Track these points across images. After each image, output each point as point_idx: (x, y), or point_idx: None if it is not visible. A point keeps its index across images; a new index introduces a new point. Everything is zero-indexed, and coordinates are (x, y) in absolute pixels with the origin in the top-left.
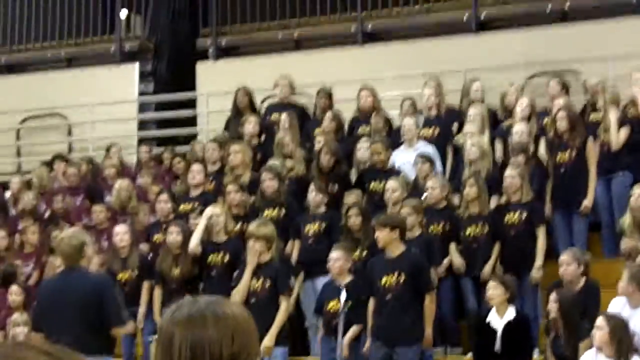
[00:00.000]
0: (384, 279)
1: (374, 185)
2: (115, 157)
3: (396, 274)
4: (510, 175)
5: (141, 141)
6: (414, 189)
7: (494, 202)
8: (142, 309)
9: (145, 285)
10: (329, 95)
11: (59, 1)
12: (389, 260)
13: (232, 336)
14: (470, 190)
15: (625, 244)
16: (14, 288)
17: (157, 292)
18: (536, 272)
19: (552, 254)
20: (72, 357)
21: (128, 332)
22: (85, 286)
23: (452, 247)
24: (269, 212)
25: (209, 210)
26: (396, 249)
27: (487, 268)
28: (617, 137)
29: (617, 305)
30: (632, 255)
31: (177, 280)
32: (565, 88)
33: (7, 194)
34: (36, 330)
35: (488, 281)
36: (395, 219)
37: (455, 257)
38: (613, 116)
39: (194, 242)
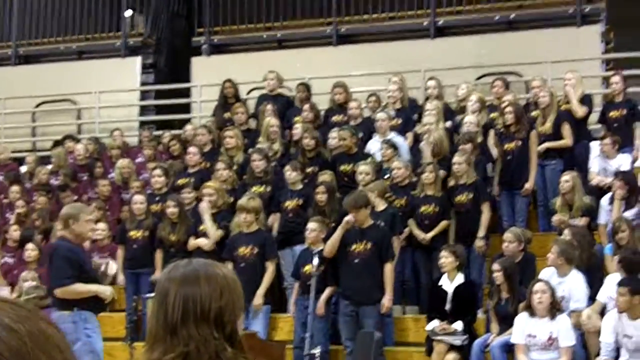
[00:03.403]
0: (354, 246)
1: (343, 167)
2: (119, 139)
3: (364, 242)
4: (458, 161)
5: (142, 125)
6: (381, 169)
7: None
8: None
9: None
10: (307, 89)
11: (71, 1)
12: (359, 230)
13: (220, 292)
14: (428, 176)
15: (556, 220)
16: (30, 245)
17: (159, 255)
18: (479, 242)
19: (497, 229)
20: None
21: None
22: (49, 252)
23: (411, 221)
24: (256, 188)
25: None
26: (366, 222)
27: (430, 235)
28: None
29: (547, 274)
30: (562, 230)
31: (174, 245)
32: (507, 87)
33: (24, 169)
34: None
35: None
36: (365, 199)
37: (415, 230)
38: (574, 97)
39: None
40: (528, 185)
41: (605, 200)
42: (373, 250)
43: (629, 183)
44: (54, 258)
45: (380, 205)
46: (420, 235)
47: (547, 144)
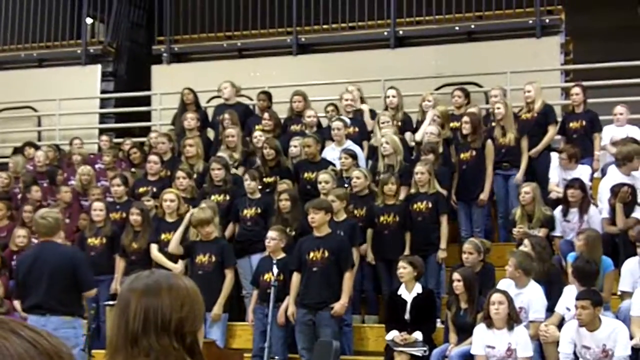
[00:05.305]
0: (311, 254)
1: (307, 175)
2: (79, 148)
3: (322, 250)
4: (420, 170)
5: (101, 132)
6: (340, 179)
7: (403, 193)
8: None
9: (117, 259)
10: (269, 97)
11: (32, 9)
12: (317, 238)
13: (181, 304)
14: (391, 187)
15: (517, 233)
16: None
17: (121, 263)
18: (441, 253)
19: (455, 239)
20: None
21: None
22: (60, 256)
23: (369, 233)
24: (215, 197)
25: (189, 215)
26: (324, 230)
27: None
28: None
29: (505, 285)
30: (521, 240)
31: (135, 253)
32: (468, 97)
33: None
34: (18, 298)
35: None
36: (327, 203)
37: (369, 248)
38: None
39: (174, 244)
40: (483, 196)
41: (557, 211)
42: (331, 259)
43: (584, 190)
44: (82, 263)
45: (341, 216)
46: (371, 260)
47: (520, 176)
